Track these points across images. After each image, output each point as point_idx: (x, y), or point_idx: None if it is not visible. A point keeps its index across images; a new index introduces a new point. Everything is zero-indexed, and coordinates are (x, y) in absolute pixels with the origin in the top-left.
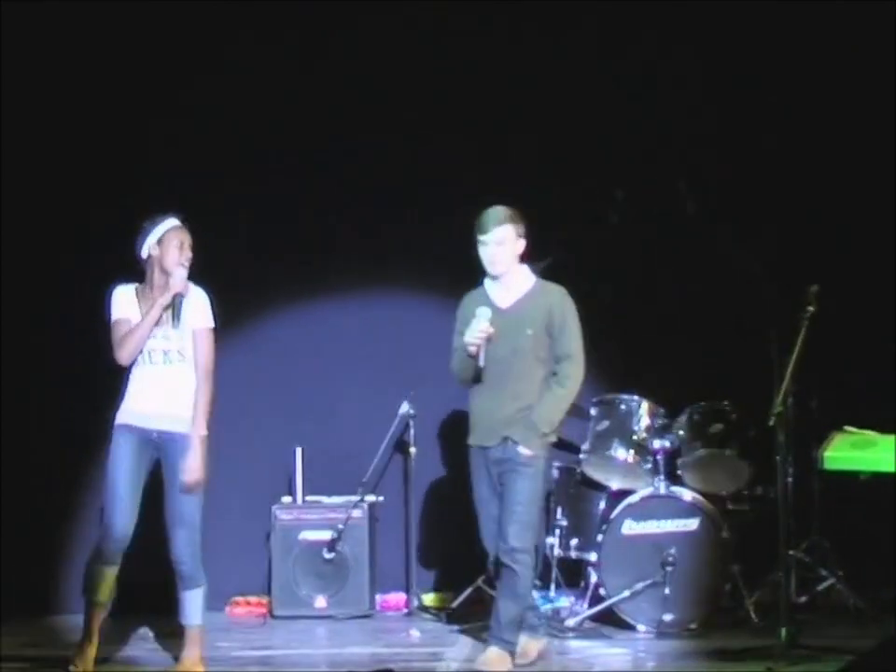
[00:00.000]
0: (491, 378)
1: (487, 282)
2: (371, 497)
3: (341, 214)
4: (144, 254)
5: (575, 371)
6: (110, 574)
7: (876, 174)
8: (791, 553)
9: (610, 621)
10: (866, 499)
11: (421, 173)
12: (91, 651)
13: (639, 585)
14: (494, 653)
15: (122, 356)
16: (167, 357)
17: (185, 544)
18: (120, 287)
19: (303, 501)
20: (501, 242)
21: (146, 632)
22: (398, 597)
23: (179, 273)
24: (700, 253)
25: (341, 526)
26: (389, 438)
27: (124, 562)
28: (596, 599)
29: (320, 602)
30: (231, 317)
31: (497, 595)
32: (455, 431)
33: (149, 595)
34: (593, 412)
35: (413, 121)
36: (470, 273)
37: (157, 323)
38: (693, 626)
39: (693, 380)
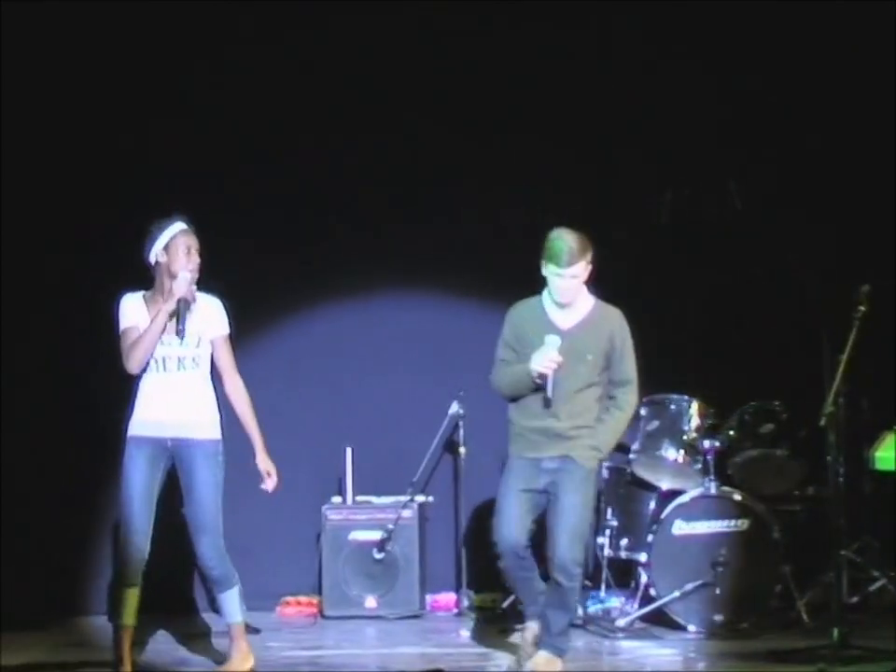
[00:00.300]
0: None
1: (547, 299)
2: (420, 498)
3: (382, 213)
4: (152, 260)
5: (633, 396)
6: (133, 595)
7: None
8: (842, 553)
9: (661, 621)
10: None
11: (456, 174)
12: None
13: (690, 586)
14: (543, 657)
15: (132, 365)
16: (181, 363)
17: (211, 550)
18: (128, 295)
19: (353, 501)
20: (576, 276)
21: (165, 633)
22: (448, 597)
23: (182, 278)
24: (751, 252)
25: (391, 527)
26: (439, 438)
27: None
28: (647, 600)
29: (370, 602)
30: (281, 316)
31: (546, 604)
32: (504, 431)
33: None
34: (643, 412)
35: (438, 121)
36: (513, 276)
37: (166, 330)
38: (743, 627)
39: (744, 380)
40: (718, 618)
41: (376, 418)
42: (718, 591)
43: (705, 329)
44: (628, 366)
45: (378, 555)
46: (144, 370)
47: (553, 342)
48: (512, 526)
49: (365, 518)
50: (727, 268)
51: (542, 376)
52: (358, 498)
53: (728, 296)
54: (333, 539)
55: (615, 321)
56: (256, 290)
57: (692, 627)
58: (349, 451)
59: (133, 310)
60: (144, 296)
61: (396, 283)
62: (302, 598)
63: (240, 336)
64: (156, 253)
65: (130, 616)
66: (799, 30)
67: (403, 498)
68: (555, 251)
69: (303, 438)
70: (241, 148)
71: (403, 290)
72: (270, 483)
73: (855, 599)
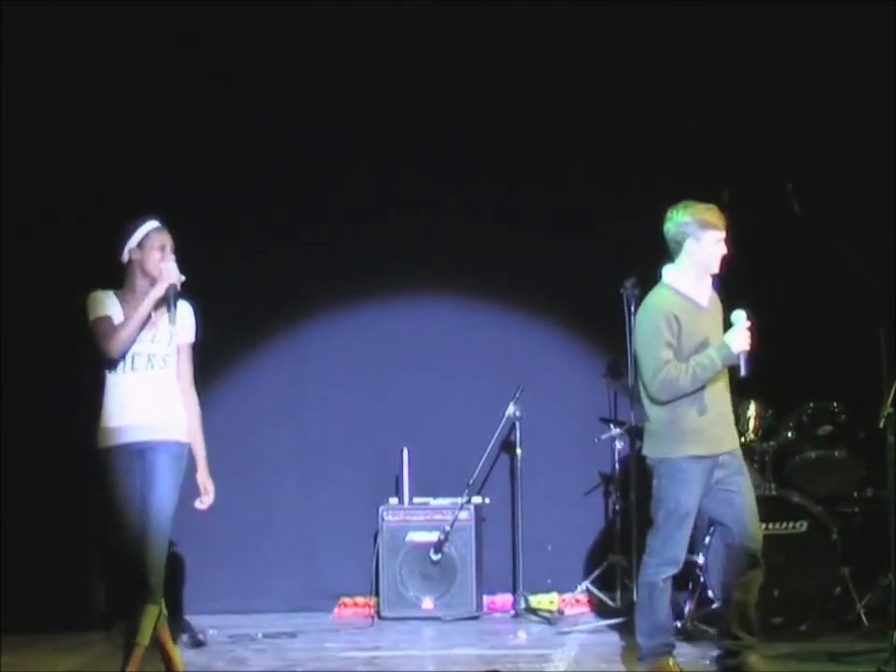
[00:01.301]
0: (714, 383)
1: (678, 281)
2: (477, 499)
3: (436, 214)
4: (125, 257)
5: None
6: (154, 612)
7: None
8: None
9: (720, 621)
10: None
11: (512, 176)
12: None
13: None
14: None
15: (115, 347)
16: (150, 362)
17: (159, 555)
18: (98, 291)
19: (410, 503)
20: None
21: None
22: (504, 599)
23: (171, 266)
24: (808, 252)
25: (447, 528)
26: (495, 439)
27: None
28: (705, 601)
29: (427, 603)
30: (337, 319)
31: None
32: (561, 432)
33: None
34: None
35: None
36: (561, 281)
37: (144, 325)
38: (802, 629)
39: (803, 381)
40: (776, 620)
41: (433, 419)
42: (776, 592)
43: (763, 328)
44: None
45: (435, 556)
46: (111, 369)
47: (740, 317)
48: (684, 550)
49: (422, 519)
50: (784, 268)
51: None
52: (415, 500)
53: (785, 296)
54: (390, 540)
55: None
56: (311, 292)
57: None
58: (406, 452)
59: (107, 302)
60: (115, 293)
61: (452, 286)
62: (359, 599)
63: (297, 337)
64: (129, 250)
65: (147, 636)
66: (869, 33)
67: (460, 500)
68: (713, 217)
69: (361, 439)
70: (272, 153)
71: (459, 293)
72: (206, 500)
73: None
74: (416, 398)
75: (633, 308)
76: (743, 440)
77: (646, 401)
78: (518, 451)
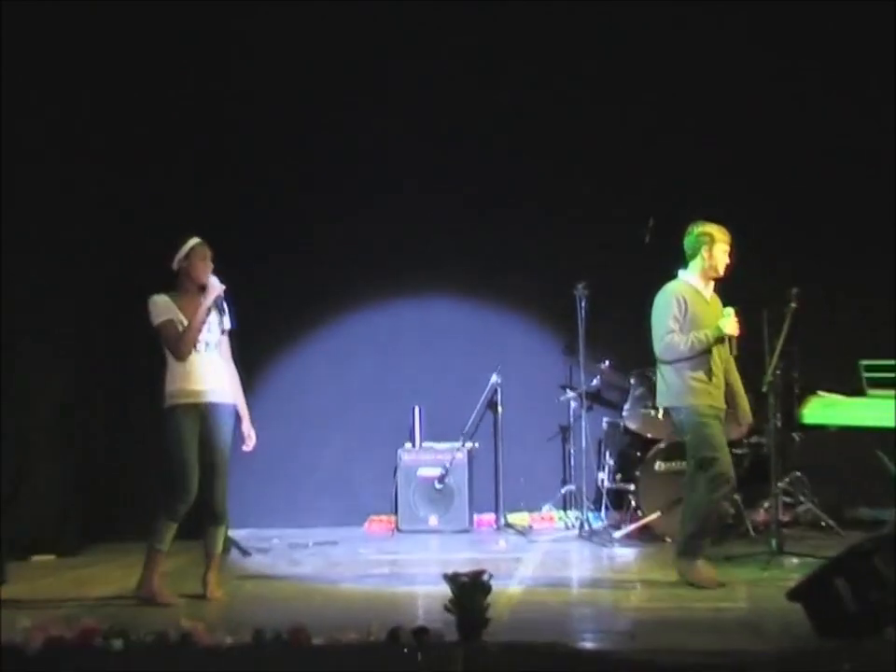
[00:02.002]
0: (719, 355)
1: (691, 278)
2: (469, 444)
3: (437, 236)
4: (175, 267)
5: None
6: (222, 530)
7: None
8: (779, 484)
9: (645, 534)
10: (834, 445)
11: (495, 191)
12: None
13: (667, 508)
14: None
15: (185, 350)
16: (209, 346)
17: (223, 491)
18: (156, 296)
19: (420, 447)
20: None
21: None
22: (489, 517)
23: (214, 280)
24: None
25: (447, 465)
26: (483, 400)
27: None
28: (635, 518)
29: (433, 520)
30: (369, 309)
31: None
32: (531, 395)
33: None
34: (632, 380)
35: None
36: (531, 283)
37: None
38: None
39: None
40: None
41: (437, 385)
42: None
43: None
44: None
45: (438, 486)
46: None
47: (730, 311)
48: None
49: (429, 458)
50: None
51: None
52: (424, 444)
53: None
54: (405, 474)
55: None
56: (348, 289)
57: (668, 538)
58: (417, 409)
59: (165, 306)
60: (169, 295)
61: (452, 286)
62: (383, 517)
63: (338, 323)
64: (178, 260)
65: (168, 543)
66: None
67: (457, 444)
68: (723, 234)
69: (384, 398)
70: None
71: (457, 292)
72: (250, 444)
73: (788, 518)
74: (425, 369)
75: (582, 304)
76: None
77: (659, 363)
78: (499, 409)
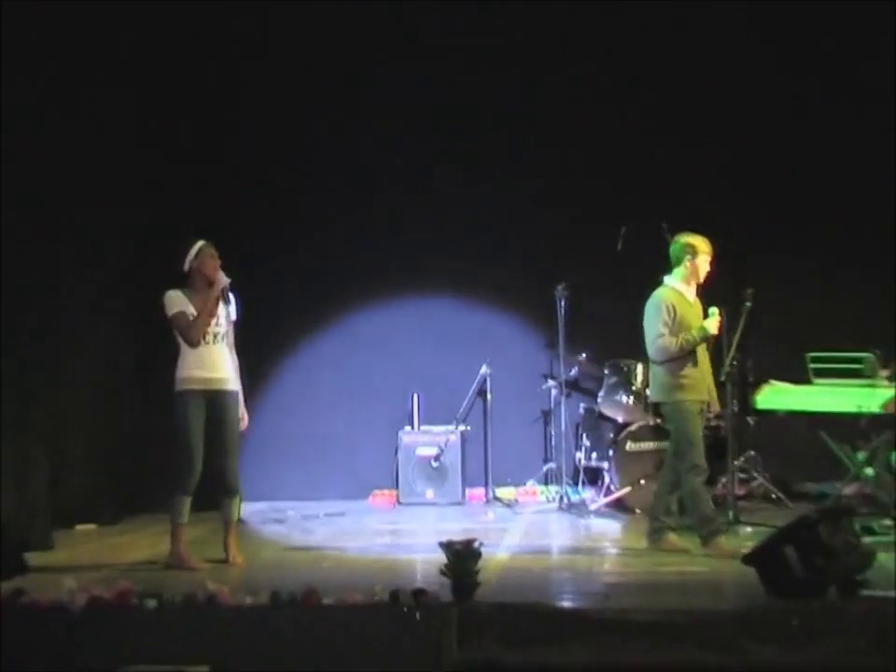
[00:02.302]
0: (702, 351)
1: (676, 284)
2: (462, 427)
3: (429, 238)
4: (186, 267)
5: None
6: (236, 501)
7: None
8: (735, 462)
9: (618, 506)
10: (783, 428)
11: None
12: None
13: (637, 483)
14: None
15: (195, 338)
16: (216, 338)
17: (235, 468)
18: (170, 291)
19: (419, 429)
20: None
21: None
22: (479, 491)
23: (221, 274)
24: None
25: (443, 445)
26: (474, 388)
27: None
28: (608, 493)
29: (429, 494)
30: (373, 306)
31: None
32: (516, 384)
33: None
34: (606, 371)
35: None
36: (518, 284)
37: (211, 316)
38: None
39: None
40: None
41: (434, 375)
42: (655, 487)
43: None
44: None
45: (434, 464)
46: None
47: (714, 311)
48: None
49: (426, 439)
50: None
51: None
52: (422, 427)
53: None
54: (405, 453)
55: None
56: (349, 290)
57: (638, 510)
58: (416, 396)
59: (179, 299)
60: (182, 291)
61: (448, 286)
62: (386, 491)
63: (345, 319)
64: (189, 261)
65: (186, 516)
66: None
67: (451, 427)
68: (706, 245)
69: (387, 386)
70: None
71: (452, 291)
72: (243, 425)
73: (743, 492)
74: (423, 360)
75: (562, 304)
76: (634, 388)
77: (651, 363)
78: (488, 396)
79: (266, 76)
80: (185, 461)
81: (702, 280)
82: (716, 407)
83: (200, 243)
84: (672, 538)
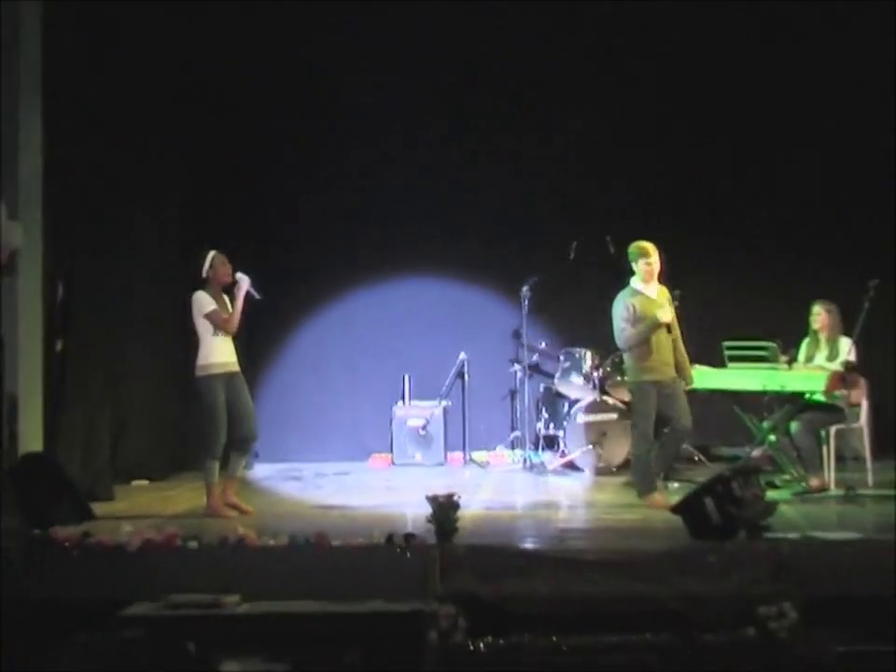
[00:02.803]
0: (664, 336)
1: (636, 284)
2: (445, 402)
3: (422, 225)
4: (204, 274)
5: None
6: (218, 464)
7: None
8: (664, 430)
9: (571, 466)
10: (704, 402)
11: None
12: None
13: (586, 448)
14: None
15: (232, 329)
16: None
17: (254, 427)
18: (199, 293)
19: (409, 404)
20: (654, 262)
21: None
22: (458, 454)
23: (240, 275)
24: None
25: (428, 417)
26: (454, 370)
27: None
28: (563, 456)
29: (418, 457)
30: (371, 291)
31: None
32: (488, 367)
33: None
34: (561, 357)
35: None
36: (492, 279)
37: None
38: (614, 469)
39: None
40: (601, 465)
41: (422, 359)
42: (601, 451)
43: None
44: None
45: (422, 432)
46: (215, 334)
47: (663, 303)
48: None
49: (415, 412)
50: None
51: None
52: (412, 402)
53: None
54: (398, 424)
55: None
56: (348, 279)
57: (587, 470)
58: (407, 376)
59: (209, 300)
60: (206, 291)
61: (433, 278)
62: (383, 454)
63: (347, 303)
64: (206, 269)
65: (216, 477)
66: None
67: (435, 402)
68: (651, 248)
69: (383, 368)
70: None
71: (437, 283)
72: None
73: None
74: (414, 348)
75: (526, 303)
76: (584, 371)
77: (621, 350)
78: (466, 377)
79: (265, 45)
80: (215, 432)
81: (654, 276)
82: (690, 383)
83: (212, 252)
84: (659, 496)
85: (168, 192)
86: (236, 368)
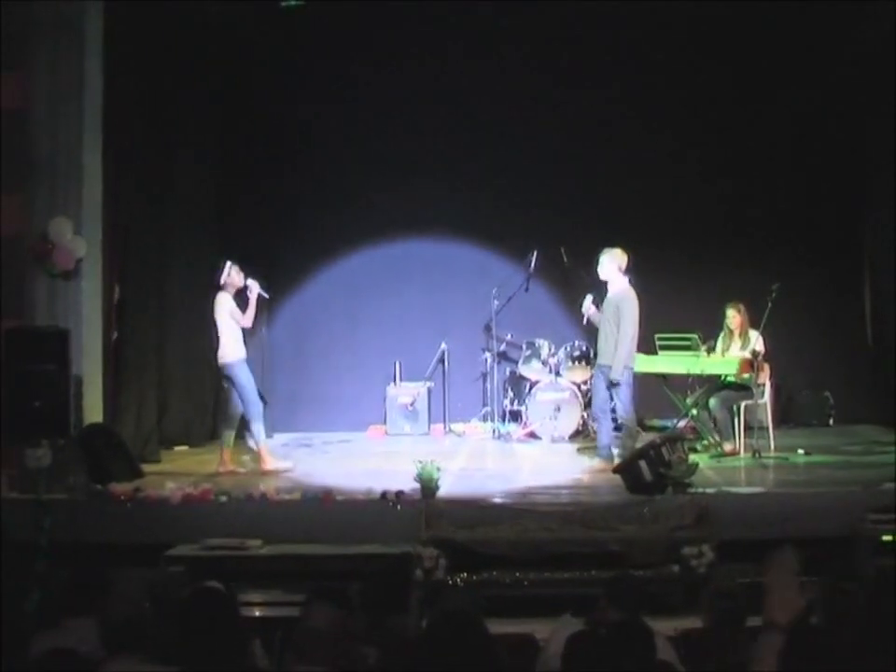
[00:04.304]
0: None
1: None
2: (429, 383)
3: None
4: (221, 281)
5: None
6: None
7: None
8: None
9: (532, 435)
10: (640, 382)
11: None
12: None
13: (545, 419)
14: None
15: (248, 324)
16: None
17: (255, 407)
18: (222, 294)
19: (400, 384)
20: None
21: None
22: (440, 426)
23: (251, 281)
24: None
25: (415, 396)
26: (437, 357)
27: None
28: (526, 427)
29: (407, 428)
30: (367, 298)
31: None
32: (464, 356)
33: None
34: (523, 346)
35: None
36: (463, 282)
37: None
38: (566, 438)
39: (572, 334)
40: (556, 434)
41: (409, 349)
42: (556, 423)
43: (546, 306)
44: None
45: (410, 408)
46: (236, 328)
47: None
48: None
49: (405, 391)
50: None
51: None
52: (402, 383)
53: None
54: (390, 401)
55: None
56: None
57: (545, 438)
58: (398, 362)
59: (230, 301)
60: (227, 292)
61: (414, 284)
62: (378, 426)
63: (350, 289)
64: (224, 278)
65: (231, 442)
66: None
67: (421, 383)
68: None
69: (379, 355)
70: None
71: (419, 289)
72: None
73: (612, 426)
74: (404, 338)
75: (494, 304)
76: (542, 357)
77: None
78: (446, 363)
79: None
80: (254, 404)
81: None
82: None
83: (229, 263)
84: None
85: (200, 201)
86: (245, 355)
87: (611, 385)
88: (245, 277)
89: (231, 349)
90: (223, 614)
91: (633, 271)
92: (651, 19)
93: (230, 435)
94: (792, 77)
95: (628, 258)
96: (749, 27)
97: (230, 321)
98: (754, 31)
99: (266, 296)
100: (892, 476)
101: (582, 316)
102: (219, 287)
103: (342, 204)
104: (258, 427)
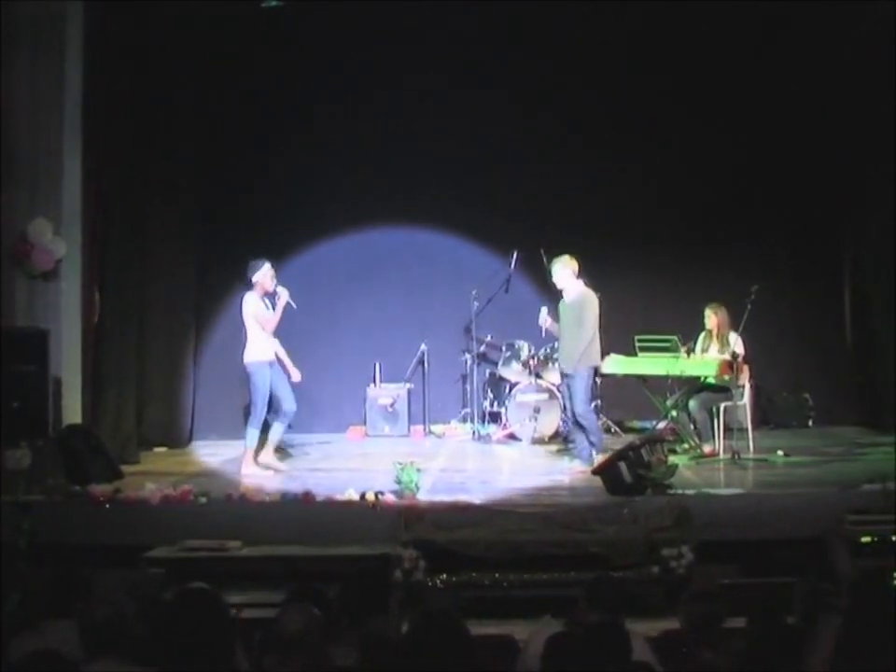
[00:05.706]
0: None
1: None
2: (409, 385)
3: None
4: (253, 281)
5: None
6: (258, 433)
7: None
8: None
9: (511, 437)
10: (619, 383)
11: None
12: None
13: (525, 420)
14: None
15: (271, 328)
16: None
17: (293, 401)
18: (250, 294)
19: (380, 386)
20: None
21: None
22: (419, 428)
23: (281, 289)
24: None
25: (395, 397)
26: (416, 358)
27: None
28: (505, 428)
29: (386, 429)
30: (351, 284)
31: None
32: (444, 357)
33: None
34: (503, 348)
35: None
36: (445, 285)
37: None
38: (546, 439)
39: (549, 337)
40: (536, 435)
41: (390, 352)
42: (536, 424)
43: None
44: None
45: (390, 409)
46: (261, 330)
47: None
48: None
49: (384, 393)
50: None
51: None
52: (382, 384)
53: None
54: (370, 402)
55: None
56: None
57: (524, 440)
58: (378, 364)
59: (258, 302)
60: (254, 293)
61: (396, 286)
62: (358, 427)
63: (337, 314)
64: (256, 276)
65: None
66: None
67: (401, 385)
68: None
69: (359, 358)
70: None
71: (402, 292)
72: (296, 377)
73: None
74: (384, 340)
75: (474, 306)
76: (522, 359)
77: None
78: (426, 364)
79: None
80: (261, 407)
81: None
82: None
83: (267, 264)
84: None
85: (181, 202)
86: (274, 357)
87: (564, 376)
88: (276, 283)
89: (252, 350)
90: (211, 615)
91: (613, 273)
92: (637, 18)
93: (278, 428)
94: (780, 79)
95: (578, 262)
96: (745, 27)
97: (254, 323)
98: (746, 32)
99: (294, 306)
100: (871, 477)
101: (540, 329)
102: (248, 284)
103: (321, 206)
104: (252, 432)
